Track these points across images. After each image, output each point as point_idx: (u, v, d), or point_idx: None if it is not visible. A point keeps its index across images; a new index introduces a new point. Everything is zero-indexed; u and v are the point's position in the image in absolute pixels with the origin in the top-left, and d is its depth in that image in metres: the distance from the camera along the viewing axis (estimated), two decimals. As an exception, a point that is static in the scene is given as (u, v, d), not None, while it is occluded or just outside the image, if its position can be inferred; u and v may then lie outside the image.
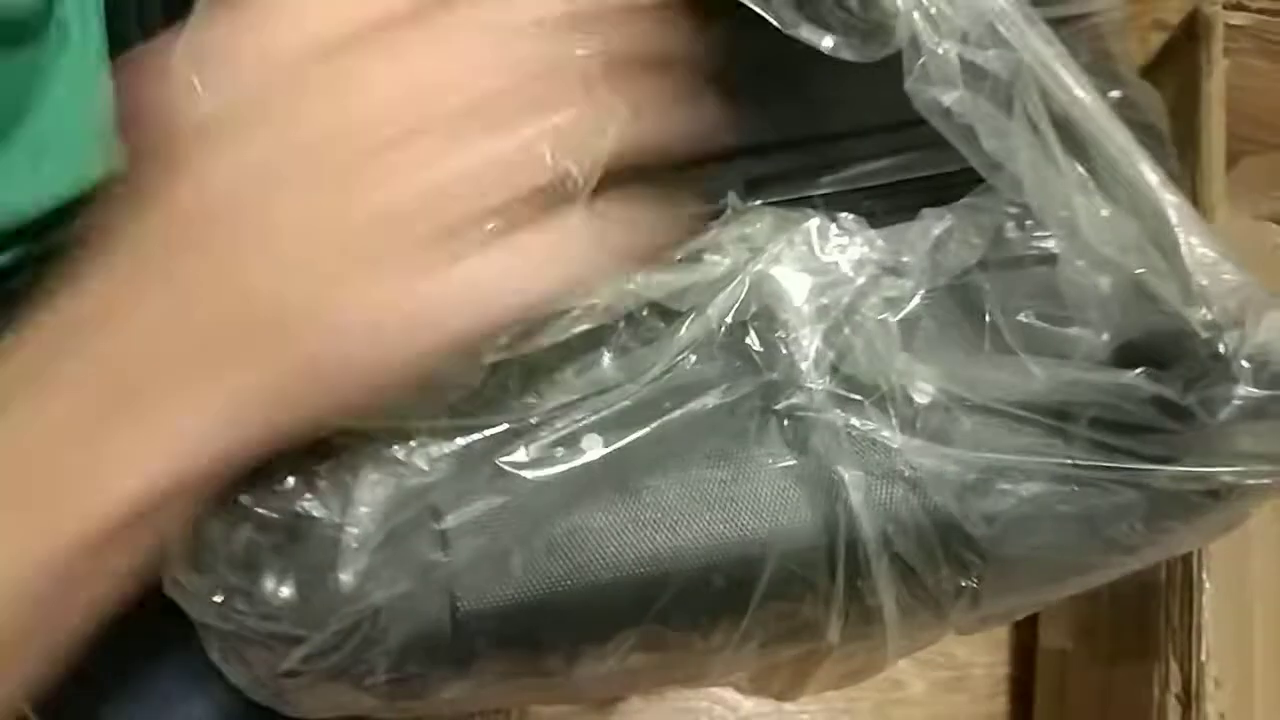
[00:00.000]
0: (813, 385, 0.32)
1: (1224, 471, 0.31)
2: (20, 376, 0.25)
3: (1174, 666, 0.57)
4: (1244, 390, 0.30)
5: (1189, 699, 0.57)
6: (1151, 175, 0.31)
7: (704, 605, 0.33)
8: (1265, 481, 0.31)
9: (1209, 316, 0.30)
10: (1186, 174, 0.59)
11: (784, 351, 0.32)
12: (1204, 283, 0.30)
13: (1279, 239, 0.73)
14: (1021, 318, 0.33)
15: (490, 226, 0.25)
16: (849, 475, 0.32)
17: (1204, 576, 0.56)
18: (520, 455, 0.30)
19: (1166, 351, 0.31)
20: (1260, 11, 0.58)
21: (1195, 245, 0.30)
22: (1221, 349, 0.30)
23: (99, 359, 0.25)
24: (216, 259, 0.25)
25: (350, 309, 0.24)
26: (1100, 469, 0.32)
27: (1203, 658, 0.56)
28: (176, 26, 0.26)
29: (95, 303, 0.25)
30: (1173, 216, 0.30)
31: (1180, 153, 0.59)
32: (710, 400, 0.32)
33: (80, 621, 0.26)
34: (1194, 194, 0.59)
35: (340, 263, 0.24)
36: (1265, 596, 0.61)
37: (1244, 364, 0.30)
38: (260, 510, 0.29)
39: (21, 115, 0.37)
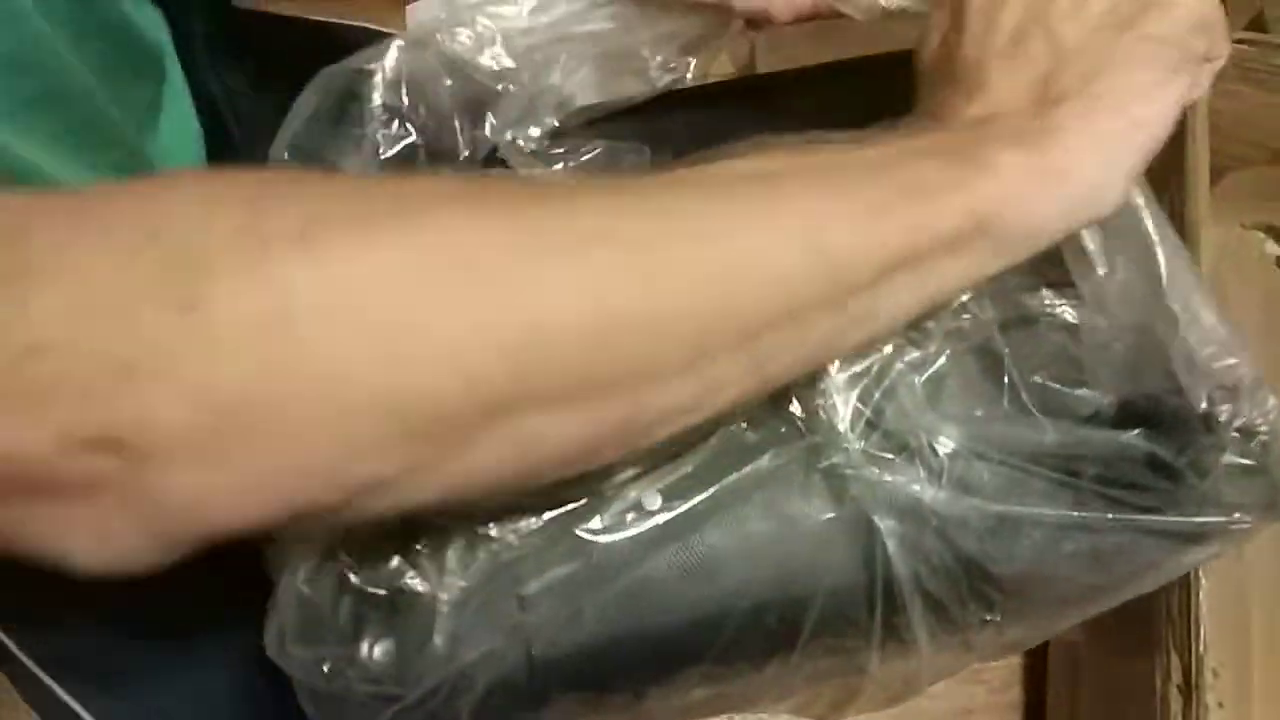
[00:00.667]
0: (850, 446, 0.35)
1: (1209, 521, 0.34)
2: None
3: (1174, 658, 0.61)
4: (1230, 458, 0.34)
5: (1189, 689, 0.60)
6: (1160, 251, 0.35)
7: (758, 644, 0.36)
8: (1246, 525, 0.35)
9: (1205, 394, 0.34)
10: (1174, 193, 0.62)
11: (823, 417, 0.35)
12: (1205, 359, 0.34)
13: (1265, 246, 0.77)
14: (1037, 379, 0.36)
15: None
16: (884, 524, 0.35)
17: (1200, 573, 0.59)
18: (595, 523, 0.34)
19: (1166, 416, 0.35)
20: (1239, 42, 0.62)
21: (1199, 323, 0.34)
22: (1216, 422, 0.34)
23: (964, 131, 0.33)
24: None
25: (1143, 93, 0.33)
26: (1101, 516, 0.36)
27: (1201, 650, 0.60)
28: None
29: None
30: (1178, 296, 0.34)
31: (1168, 174, 0.62)
32: (763, 463, 0.35)
33: (882, 314, 0.32)
34: (1181, 211, 0.62)
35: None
36: (1262, 590, 0.64)
37: (1234, 435, 0.33)
38: (367, 587, 0.32)
39: (145, 136, 0.41)
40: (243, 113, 0.50)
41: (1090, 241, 0.36)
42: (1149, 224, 0.36)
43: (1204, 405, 0.34)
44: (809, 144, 0.33)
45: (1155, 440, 0.35)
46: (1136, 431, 0.35)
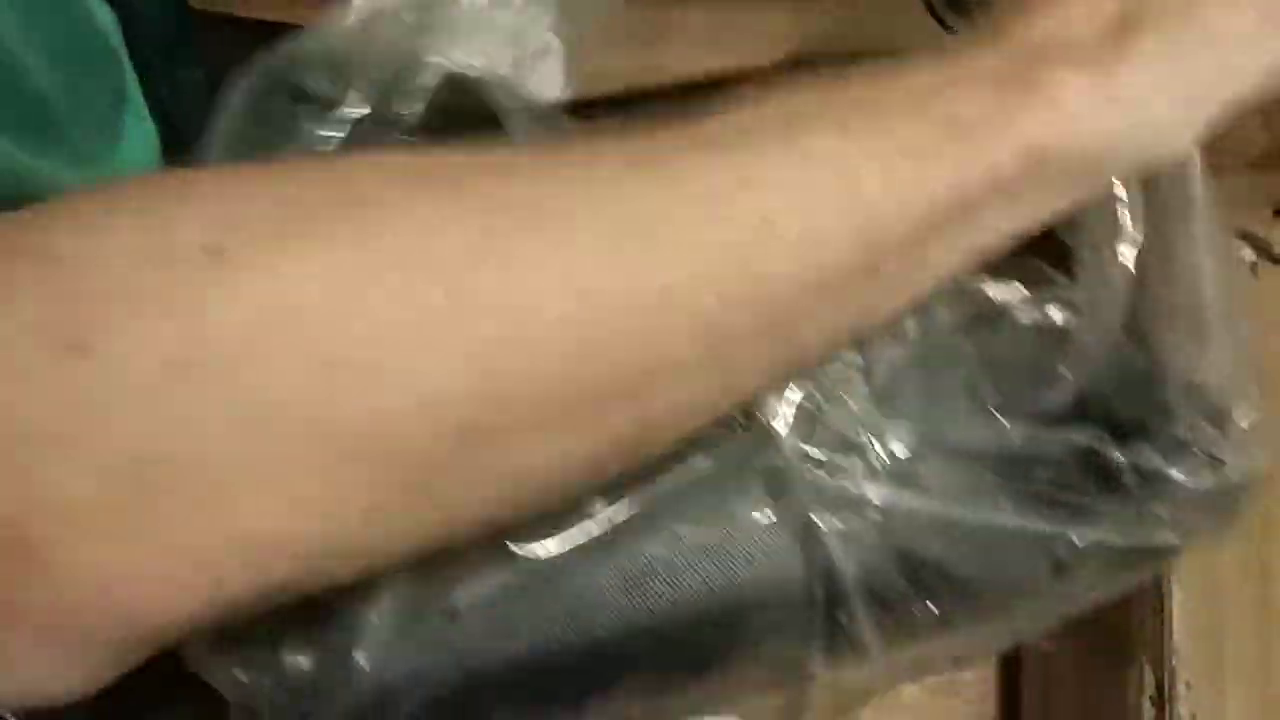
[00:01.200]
0: (788, 445, 0.34)
1: (1146, 543, 0.34)
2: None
3: (1147, 671, 0.60)
4: (1189, 484, 0.33)
5: (1162, 701, 0.59)
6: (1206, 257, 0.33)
7: (696, 653, 0.35)
8: (1175, 543, 0.34)
9: (1194, 420, 0.33)
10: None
11: (761, 416, 0.34)
12: (1212, 387, 0.33)
13: (1242, 253, 0.76)
14: (997, 378, 0.35)
15: None
16: (825, 522, 0.34)
17: (1173, 585, 0.58)
18: (526, 534, 0.33)
19: (1134, 426, 0.34)
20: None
21: (1218, 344, 0.33)
22: (1189, 448, 0.33)
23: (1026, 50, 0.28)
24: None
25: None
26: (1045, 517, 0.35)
27: (1173, 662, 0.59)
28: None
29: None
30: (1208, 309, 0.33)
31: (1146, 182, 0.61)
32: (696, 465, 0.34)
33: (926, 276, 0.28)
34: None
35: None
36: (1237, 602, 0.63)
37: (1201, 461, 0.33)
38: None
39: (118, 139, 0.39)
40: (193, 113, 0.49)
41: (1126, 215, 0.33)
42: (1199, 220, 0.34)
43: (1186, 431, 0.33)
44: (842, 76, 0.28)
45: (1114, 447, 0.34)
46: (1095, 435, 0.34)
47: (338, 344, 0.20)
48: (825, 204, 0.25)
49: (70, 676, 0.21)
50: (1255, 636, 0.62)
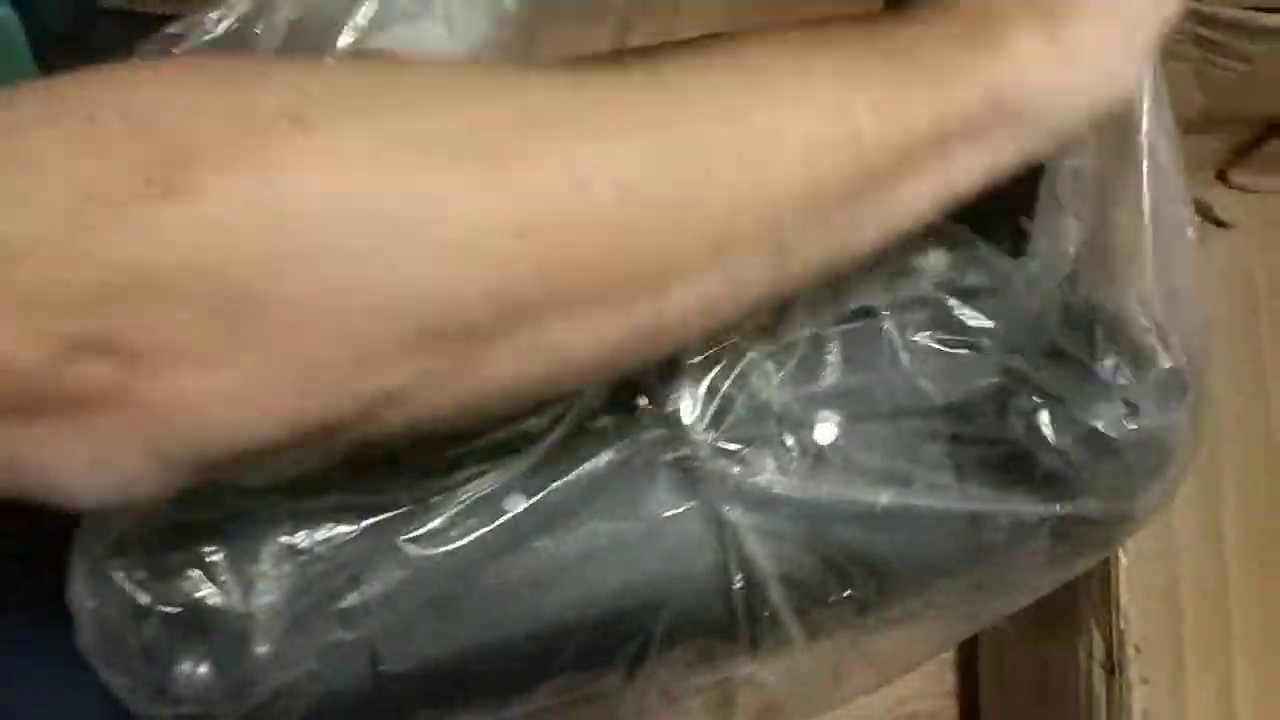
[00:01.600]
0: (698, 437, 0.34)
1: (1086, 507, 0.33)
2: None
3: (1097, 636, 0.60)
4: (1111, 427, 0.32)
5: (1113, 666, 0.59)
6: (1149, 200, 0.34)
7: (611, 649, 0.34)
8: (1100, 512, 0.33)
9: (1118, 355, 0.33)
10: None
11: (670, 409, 0.34)
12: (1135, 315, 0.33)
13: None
14: (917, 339, 0.35)
15: None
16: (736, 517, 0.34)
17: (1120, 550, 0.58)
18: (420, 531, 0.32)
19: (1057, 362, 0.33)
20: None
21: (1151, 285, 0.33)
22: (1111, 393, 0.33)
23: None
24: None
25: None
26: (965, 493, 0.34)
27: (1122, 626, 0.59)
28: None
29: None
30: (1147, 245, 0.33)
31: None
32: (605, 458, 0.33)
33: (902, 214, 0.29)
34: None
35: None
36: (1193, 566, 0.63)
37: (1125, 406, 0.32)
38: (164, 606, 0.30)
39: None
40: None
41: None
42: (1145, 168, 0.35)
43: (1108, 372, 0.33)
44: (819, 26, 0.31)
45: (1033, 390, 0.33)
46: (1015, 378, 0.34)
47: (407, 216, 0.23)
48: (823, 121, 0.27)
49: (153, 482, 0.24)
50: (1212, 599, 0.62)
